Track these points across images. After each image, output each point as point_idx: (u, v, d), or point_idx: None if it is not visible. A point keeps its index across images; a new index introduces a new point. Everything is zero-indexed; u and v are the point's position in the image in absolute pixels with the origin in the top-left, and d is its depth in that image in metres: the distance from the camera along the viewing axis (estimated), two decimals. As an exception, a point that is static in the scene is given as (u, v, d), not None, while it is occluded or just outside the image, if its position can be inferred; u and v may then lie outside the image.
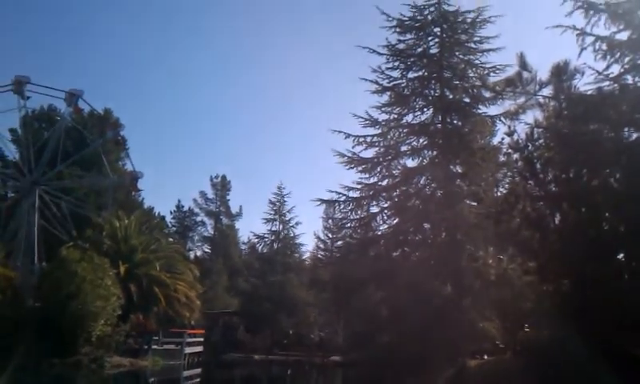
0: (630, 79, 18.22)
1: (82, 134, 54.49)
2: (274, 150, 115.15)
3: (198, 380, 39.85)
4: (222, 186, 77.12)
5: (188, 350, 45.66)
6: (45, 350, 31.57)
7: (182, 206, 76.77)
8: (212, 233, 76.61)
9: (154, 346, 42.22)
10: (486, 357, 27.29)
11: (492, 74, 31.65)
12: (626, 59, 18.04)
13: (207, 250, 76.14)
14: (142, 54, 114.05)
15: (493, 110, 31.92)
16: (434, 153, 33.28)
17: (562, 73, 18.58)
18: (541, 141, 21.00)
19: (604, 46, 18.04)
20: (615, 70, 18.17)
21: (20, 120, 53.47)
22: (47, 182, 50.73)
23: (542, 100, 19.74)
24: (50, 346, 31.80)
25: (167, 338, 44.52)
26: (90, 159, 54.30)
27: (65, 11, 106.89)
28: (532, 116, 21.59)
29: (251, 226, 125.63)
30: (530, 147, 21.00)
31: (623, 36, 18.22)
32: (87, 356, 34.41)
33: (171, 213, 75.43)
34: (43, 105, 57.60)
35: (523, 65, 19.35)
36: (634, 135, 17.97)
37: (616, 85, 18.03)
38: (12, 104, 50.91)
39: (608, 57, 18.04)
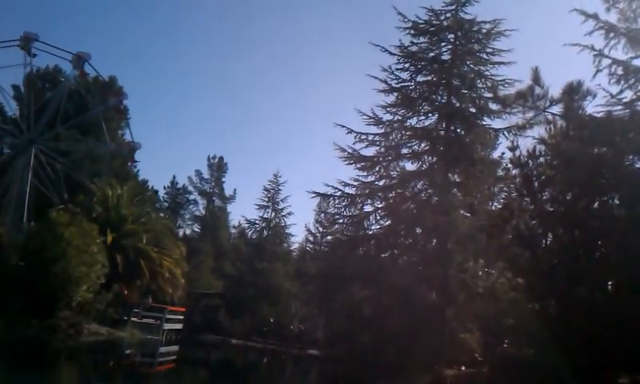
0: (641, 106, 18.13)
1: (84, 98, 54.23)
2: (274, 137, 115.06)
3: (174, 357, 39.61)
4: (219, 168, 76.92)
5: (167, 326, 45.47)
6: (24, 309, 31.25)
7: (177, 183, 76.58)
8: (203, 213, 76.36)
9: (134, 319, 41.99)
10: (463, 368, 27.25)
11: (501, 86, 31.44)
12: (640, 86, 17.96)
13: (197, 230, 75.94)
14: (153, 27, 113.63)
15: (497, 124, 31.79)
16: (434, 159, 33.07)
17: (574, 92, 18.45)
18: (542, 159, 20.90)
19: (620, 70, 17.93)
20: (628, 95, 18.07)
21: (24, 77, 53.43)
22: (44, 141, 50.56)
23: (550, 117, 19.57)
24: (30, 306, 31.50)
25: (147, 311, 44.31)
26: (89, 124, 54.04)
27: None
28: (537, 133, 21.49)
29: (243, 211, 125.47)
30: (530, 164, 20.89)
31: (640, 62, 18.14)
32: (66, 320, 34.05)
33: (165, 188, 75.29)
34: (49, 64, 57.20)
35: (536, 79, 19.19)
36: (639, 163, 17.84)
37: (627, 110, 17.90)
38: (18, 60, 50.80)
39: (622, 82, 17.93)
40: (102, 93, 55.59)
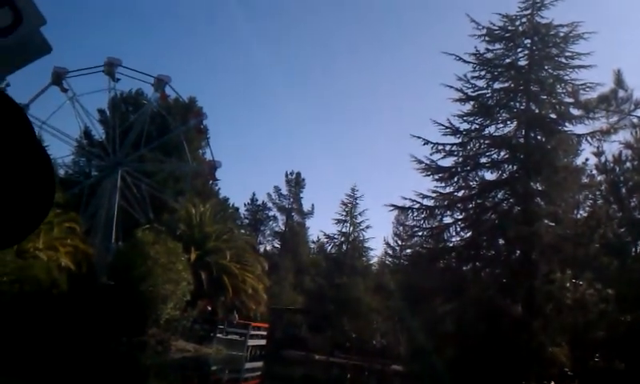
0: None
1: (165, 120, 55.97)
2: (350, 151, 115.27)
3: (259, 373, 40.15)
4: (296, 183, 77.77)
5: (251, 342, 46.15)
6: (114, 327, 32.42)
7: (256, 200, 78.10)
8: (283, 229, 77.36)
9: (219, 335, 42.79)
10: (552, 383, 26.38)
11: (582, 91, 30.35)
12: None
13: (277, 246, 77.06)
14: (230, 46, 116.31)
15: (579, 129, 30.72)
16: (515, 167, 32.27)
17: (660, 94, 17.69)
18: (629, 164, 20.13)
19: None
20: None
21: (109, 101, 55.91)
22: (130, 163, 52.44)
23: (635, 121, 18.83)
24: (119, 324, 32.62)
25: (232, 328, 45.07)
26: (171, 145, 55.78)
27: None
28: (622, 137, 20.72)
29: (322, 226, 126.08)
30: (617, 170, 20.16)
31: None
32: (154, 337, 35.11)
33: (245, 205, 76.98)
34: (132, 88, 59.48)
35: (619, 82, 18.48)
36: None
37: None
38: (103, 85, 53.13)
39: None
40: (183, 114, 57.31)
